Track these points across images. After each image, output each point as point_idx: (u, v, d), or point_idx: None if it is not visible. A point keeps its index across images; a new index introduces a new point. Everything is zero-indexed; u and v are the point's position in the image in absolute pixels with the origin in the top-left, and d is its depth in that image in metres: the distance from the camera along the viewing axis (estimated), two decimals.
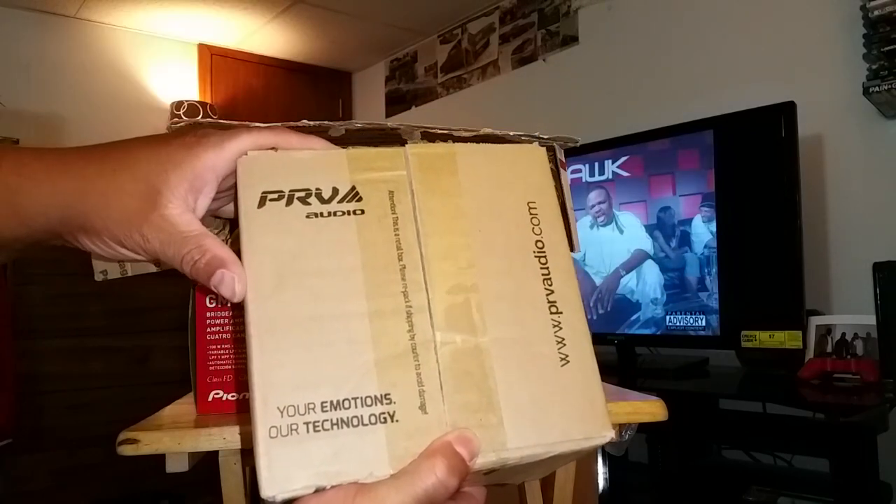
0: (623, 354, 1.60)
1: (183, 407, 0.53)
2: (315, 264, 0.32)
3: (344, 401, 0.30)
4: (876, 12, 1.36)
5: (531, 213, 0.38)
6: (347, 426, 0.30)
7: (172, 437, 0.43)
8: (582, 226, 1.66)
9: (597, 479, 1.35)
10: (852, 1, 1.48)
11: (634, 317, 1.57)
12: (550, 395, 0.33)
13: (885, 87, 1.36)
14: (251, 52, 3.06)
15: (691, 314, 1.47)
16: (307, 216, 0.33)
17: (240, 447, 0.44)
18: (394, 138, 0.53)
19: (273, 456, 0.29)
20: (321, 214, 0.33)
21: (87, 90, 2.71)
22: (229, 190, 0.37)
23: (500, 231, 0.36)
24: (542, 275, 0.36)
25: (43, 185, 0.35)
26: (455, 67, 2.77)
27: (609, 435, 0.34)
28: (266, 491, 0.28)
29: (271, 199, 0.33)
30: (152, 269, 0.59)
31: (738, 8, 1.81)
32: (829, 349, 1.32)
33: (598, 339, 1.57)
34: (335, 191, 0.34)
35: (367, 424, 0.30)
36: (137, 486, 2.00)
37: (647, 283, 1.55)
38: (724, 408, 1.28)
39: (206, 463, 0.49)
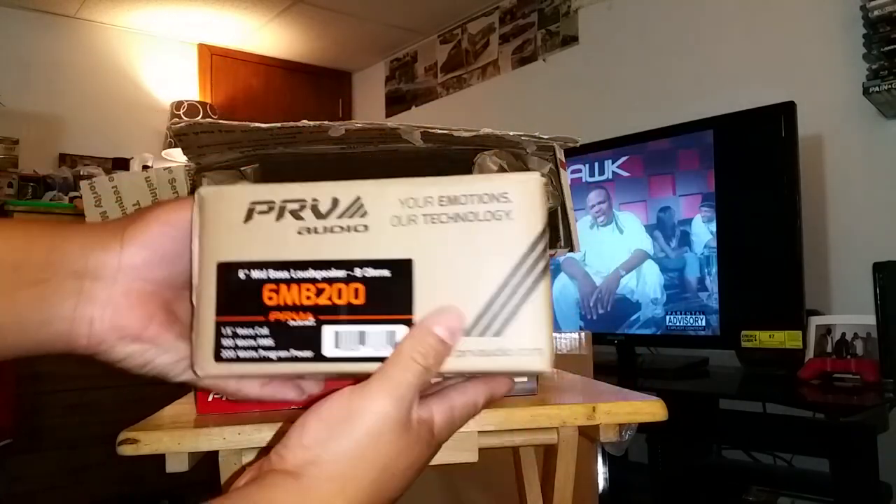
0: (623, 354, 1.60)
1: (183, 407, 0.53)
2: None
3: None
4: (876, 12, 1.36)
5: None
6: None
7: (172, 437, 0.43)
8: (582, 226, 1.66)
9: (597, 479, 1.35)
10: (852, 1, 1.48)
11: (634, 317, 1.57)
12: None
13: (885, 87, 1.36)
14: (251, 52, 3.06)
15: (691, 314, 1.47)
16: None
17: (240, 447, 0.44)
18: (393, 138, 0.53)
19: None
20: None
21: (87, 90, 2.71)
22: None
23: None
24: None
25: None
26: (455, 67, 2.77)
27: None
28: None
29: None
30: None
31: (738, 8, 1.81)
32: (829, 349, 1.32)
33: (598, 338, 1.57)
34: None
35: None
36: (137, 486, 2.00)
37: (647, 283, 1.55)
38: (724, 408, 1.28)
39: (206, 463, 0.49)
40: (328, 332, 0.33)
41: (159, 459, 0.44)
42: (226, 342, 0.33)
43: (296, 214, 0.34)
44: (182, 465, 0.45)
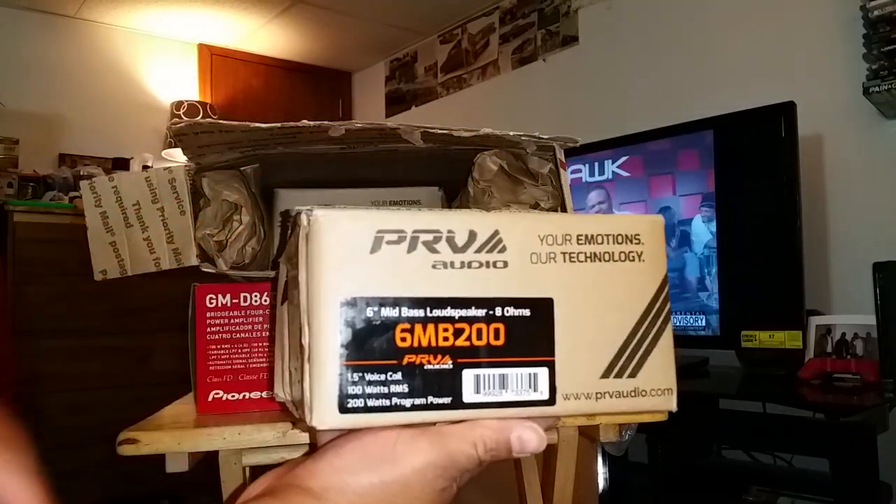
0: None
1: (183, 407, 0.53)
2: None
3: None
4: (876, 12, 1.36)
5: None
6: None
7: (172, 437, 0.43)
8: None
9: (597, 479, 1.35)
10: (852, 1, 1.48)
11: None
12: None
13: (885, 87, 1.36)
14: (251, 52, 3.06)
15: (691, 314, 1.47)
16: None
17: (240, 447, 0.44)
18: (393, 138, 0.53)
19: None
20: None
21: (87, 90, 2.71)
22: None
23: None
24: None
25: None
26: (455, 67, 2.77)
27: None
28: None
29: None
30: (152, 268, 0.60)
31: (738, 8, 1.81)
32: (829, 349, 1.32)
33: None
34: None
35: None
36: (137, 486, 2.00)
37: None
38: (724, 408, 1.28)
39: (206, 463, 0.49)
40: (468, 375, 0.31)
41: (159, 459, 0.44)
42: (353, 389, 0.29)
43: (430, 246, 0.31)
44: (182, 465, 0.45)
